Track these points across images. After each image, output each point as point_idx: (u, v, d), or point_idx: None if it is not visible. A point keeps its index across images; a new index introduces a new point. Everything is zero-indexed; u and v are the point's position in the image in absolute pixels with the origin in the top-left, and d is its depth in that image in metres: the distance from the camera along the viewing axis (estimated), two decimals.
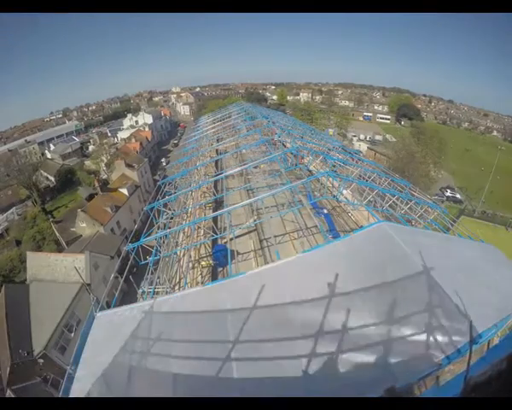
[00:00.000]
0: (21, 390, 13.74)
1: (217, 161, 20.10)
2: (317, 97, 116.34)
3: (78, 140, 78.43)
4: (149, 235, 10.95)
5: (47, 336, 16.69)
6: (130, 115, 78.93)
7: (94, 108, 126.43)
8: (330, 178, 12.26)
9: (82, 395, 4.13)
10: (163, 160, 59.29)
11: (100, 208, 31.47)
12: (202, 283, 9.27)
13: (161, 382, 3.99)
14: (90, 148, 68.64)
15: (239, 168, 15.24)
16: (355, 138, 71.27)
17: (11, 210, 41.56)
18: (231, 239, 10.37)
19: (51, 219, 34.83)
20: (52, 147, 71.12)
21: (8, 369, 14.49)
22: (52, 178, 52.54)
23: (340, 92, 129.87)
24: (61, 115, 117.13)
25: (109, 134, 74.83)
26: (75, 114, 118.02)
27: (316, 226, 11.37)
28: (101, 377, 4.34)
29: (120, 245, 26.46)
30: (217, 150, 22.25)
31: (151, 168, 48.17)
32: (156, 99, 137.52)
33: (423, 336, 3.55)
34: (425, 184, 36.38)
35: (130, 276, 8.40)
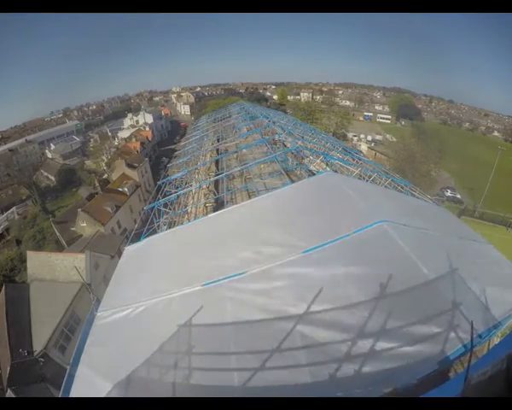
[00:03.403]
0: (21, 390, 13.75)
1: (217, 161, 20.10)
2: (318, 97, 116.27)
3: (78, 139, 78.52)
4: (149, 235, 10.94)
5: (47, 335, 16.71)
6: (130, 115, 78.95)
7: (94, 107, 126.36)
8: None
9: (82, 395, 4.13)
10: (164, 159, 59.36)
11: (100, 208, 31.53)
12: None
13: (161, 383, 3.99)
14: (91, 147, 68.75)
15: (239, 168, 15.24)
16: (355, 138, 71.30)
17: (11, 210, 41.62)
18: None
19: (51, 219, 34.88)
20: (53, 146, 71.25)
21: (9, 368, 14.52)
22: (52, 178, 52.66)
23: (340, 92, 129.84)
24: (61, 115, 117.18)
25: (110, 134, 74.87)
26: (75, 113, 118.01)
27: None
28: (101, 377, 4.34)
29: (120, 245, 26.48)
30: (217, 150, 22.25)
31: (151, 168, 48.21)
32: (157, 99, 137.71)
33: (423, 337, 3.54)
34: (425, 184, 36.37)
35: None
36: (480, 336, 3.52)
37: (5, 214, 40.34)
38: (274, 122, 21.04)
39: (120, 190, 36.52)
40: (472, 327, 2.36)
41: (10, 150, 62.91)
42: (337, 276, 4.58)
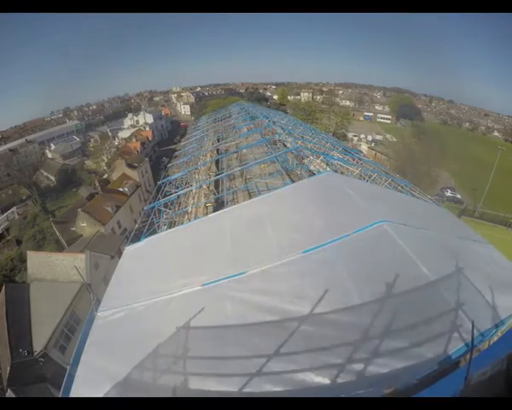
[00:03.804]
0: (22, 390, 13.75)
1: (217, 161, 20.11)
2: (318, 97, 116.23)
3: (78, 139, 78.56)
4: (149, 235, 10.95)
5: (47, 335, 16.71)
6: (130, 115, 78.96)
7: (94, 107, 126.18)
8: None
9: (82, 395, 4.13)
10: (164, 159, 59.26)
11: (100, 208, 31.53)
12: None
13: (161, 383, 3.99)
14: (91, 147, 68.79)
15: (239, 168, 15.24)
16: (355, 138, 71.29)
17: (11, 210, 41.62)
18: None
19: (51, 219, 34.86)
20: (53, 146, 71.25)
21: (9, 368, 14.52)
22: (53, 178, 52.66)
23: (340, 92, 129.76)
24: (61, 115, 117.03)
25: (110, 134, 74.89)
26: (76, 113, 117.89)
27: None
28: (101, 377, 4.34)
29: (120, 245, 26.47)
30: (217, 150, 22.27)
31: (151, 168, 48.19)
32: (157, 99, 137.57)
33: (423, 336, 3.54)
34: (425, 184, 36.36)
35: None
36: (480, 335, 3.52)
37: (5, 214, 40.33)
38: (274, 122, 21.05)
39: (120, 190, 36.50)
40: (473, 327, 2.36)
41: (10, 150, 62.83)
42: (337, 276, 4.58)
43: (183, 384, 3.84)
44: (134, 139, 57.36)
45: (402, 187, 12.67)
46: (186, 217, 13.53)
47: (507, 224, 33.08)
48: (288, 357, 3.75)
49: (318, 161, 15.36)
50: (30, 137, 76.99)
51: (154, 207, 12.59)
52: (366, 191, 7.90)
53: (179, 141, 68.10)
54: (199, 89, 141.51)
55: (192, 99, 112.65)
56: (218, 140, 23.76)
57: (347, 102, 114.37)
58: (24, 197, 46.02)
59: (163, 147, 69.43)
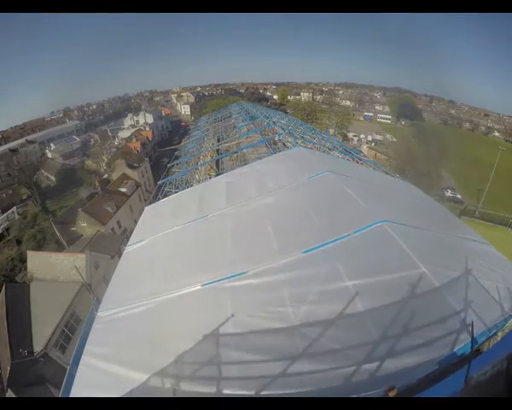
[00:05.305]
0: (22, 391, 13.74)
1: (217, 161, 20.11)
2: (318, 97, 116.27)
3: (78, 139, 78.63)
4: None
5: (47, 335, 16.71)
6: (130, 115, 79.04)
7: (95, 107, 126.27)
8: None
9: (82, 395, 4.12)
10: (164, 160, 59.22)
11: (101, 208, 31.56)
12: None
13: (161, 383, 3.99)
14: (91, 147, 68.83)
15: (239, 168, 15.21)
16: (355, 138, 71.28)
17: (12, 209, 41.58)
18: None
19: (52, 219, 34.85)
20: (53, 146, 71.29)
21: (9, 368, 14.52)
22: (53, 178, 52.69)
23: (340, 92, 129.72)
24: (61, 115, 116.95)
25: (110, 134, 74.90)
26: (76, 113, 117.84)
27: None
28: (101, 377, 4.34)
29: (120, 245, 26.45)
30: (217, 150, 22.26)
31: (151, 168, 48.17)
32: (157, 99, 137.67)
33: (423, 337, 3.54)
34: (425, 184, 36.34)
35: None
36: (480, 336, 3.52)
37: (5, 214, 40.29)
38: (274, 122, 21.04)
39: (120, 190, 36.51)
40: (472, 327, 2.36)
41: (11, 150, 62.78)
42: (337, 276, 4.57)
43: (183, 385, 3.84)
44: (134, 139, 57.33)
45: None
46: None
47: (507, 224, 33.05)
48: (288, 358, 3.75)
49: None
50: (30, 137, 76.91)
51: None
52: (366, 191, 7.89)
53: (179, 141, 68.00)
54: (199, 89, 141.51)
55: (192, 99, 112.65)
56: (218, 140, 23.78)
57: (347, 102, 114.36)
58: (24, 197, 45.97)
59: (163, 147, 69.28)
